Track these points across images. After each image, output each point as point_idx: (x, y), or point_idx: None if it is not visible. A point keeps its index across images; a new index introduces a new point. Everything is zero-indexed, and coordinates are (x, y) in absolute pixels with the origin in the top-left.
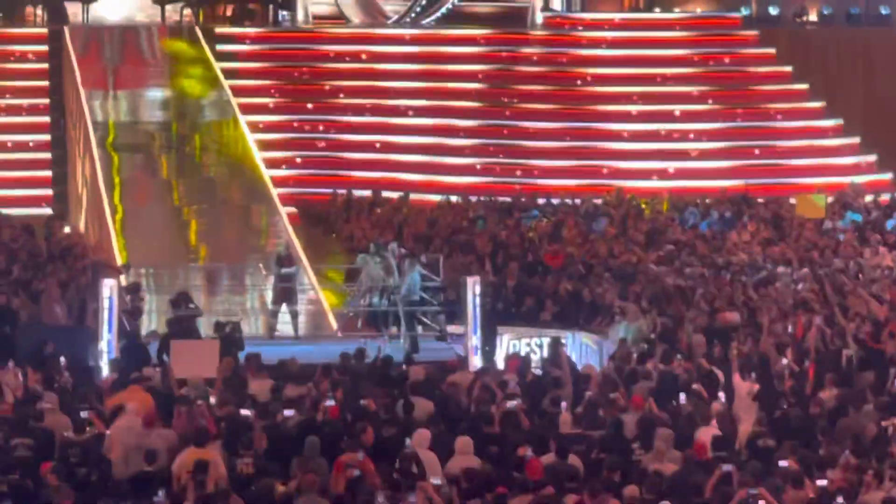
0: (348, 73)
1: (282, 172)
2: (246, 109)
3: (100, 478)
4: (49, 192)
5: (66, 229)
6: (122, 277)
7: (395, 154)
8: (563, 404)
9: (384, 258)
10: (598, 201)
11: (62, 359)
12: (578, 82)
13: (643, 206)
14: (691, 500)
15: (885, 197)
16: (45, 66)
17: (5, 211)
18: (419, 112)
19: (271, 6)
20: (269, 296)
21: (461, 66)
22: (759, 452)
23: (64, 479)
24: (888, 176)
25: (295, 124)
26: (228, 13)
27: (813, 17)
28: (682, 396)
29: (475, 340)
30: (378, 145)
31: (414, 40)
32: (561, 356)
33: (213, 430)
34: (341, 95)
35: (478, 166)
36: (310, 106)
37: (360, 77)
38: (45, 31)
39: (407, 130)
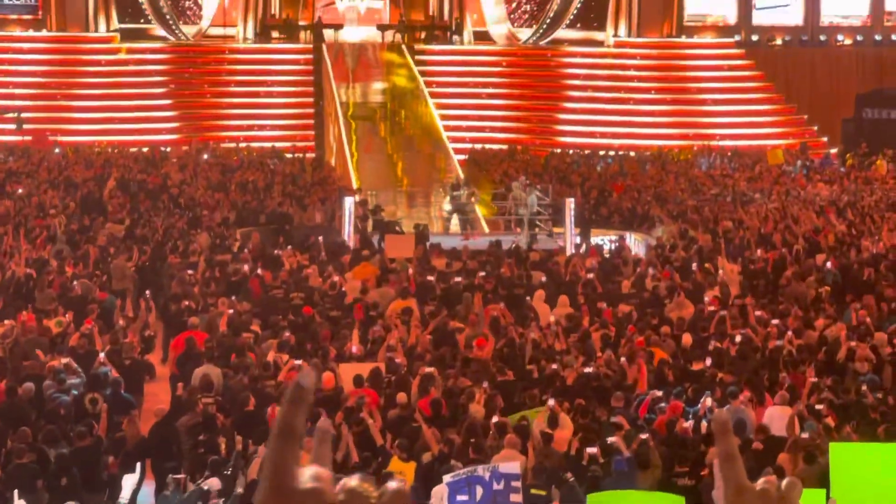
0: (494, 74)
1: (454, 134)
2: (432, 95)
3: (343, 317)
4: (313, 143)
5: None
6: (356, 196)
7: (520, 122)
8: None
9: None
10: (647, 153)
11: (320, 244)
12: (634, 83)
13: (673, 156)
14: (700, 335)
15: (821, 152)
16: (311, 67)
17: (288, 155)
18: (535, 97)
19: (448, 32)
20: (445, 208)
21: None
22: (741, 307)
23: (323, 317)
24: (825, 139)
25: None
26: (423, 36)
27: (779, 41)
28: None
29: (571, 237)
30: (509, 119)
31: (533, 54)
32: (624, 247)
33: (413, 289)
34: (490, 88)
35: (574, 130)
36: (475, 91)
37: (501, 76)
38: (311, 46)
39: (525, 108)
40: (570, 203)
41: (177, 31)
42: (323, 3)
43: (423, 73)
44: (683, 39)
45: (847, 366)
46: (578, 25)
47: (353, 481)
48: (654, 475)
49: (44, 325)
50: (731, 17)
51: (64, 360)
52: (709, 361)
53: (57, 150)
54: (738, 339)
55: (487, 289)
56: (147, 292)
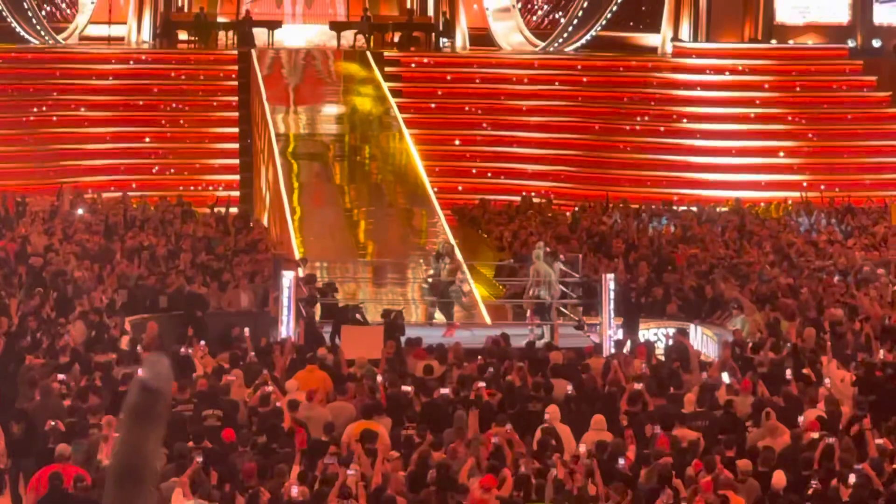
0: (498, 94)
1: (441, 180)
2: (409, 124)
3: (279, 444)
4: (237, 193)
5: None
6: (300, 270)
7: (537, 165)
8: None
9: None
10: (721, 209)
11: (247, 338)
12: (702, 107)
13: (759, 212)
14: (797, 473)
15: None
16: (235, 83)
17: (202, 210)
18: (558, 127)
19: (433, 34)
20: (427, 288)
21: (597, 91)
22: (856, 434)
23: (250, 444)
24: None
25: (457, 141)
26: (395, 39)
27: None
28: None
29: (610, 330)
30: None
31: (557, 66)
32: (686, 346)
33: (382, 404)
34: (493, 114)
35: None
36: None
37: (511, 97)
38: (235, 53)
39: (544, 144)
40: (610, 280)
41: (41, 32)
42: None
43: (395, 93)
44: (773, 45)
45: None
46: (633, 24)
47: None
48: None
49: None
50: (843, 15)
51: None
52: None
53: None
54: (851, 478)
55: (489, 404)
56: None
